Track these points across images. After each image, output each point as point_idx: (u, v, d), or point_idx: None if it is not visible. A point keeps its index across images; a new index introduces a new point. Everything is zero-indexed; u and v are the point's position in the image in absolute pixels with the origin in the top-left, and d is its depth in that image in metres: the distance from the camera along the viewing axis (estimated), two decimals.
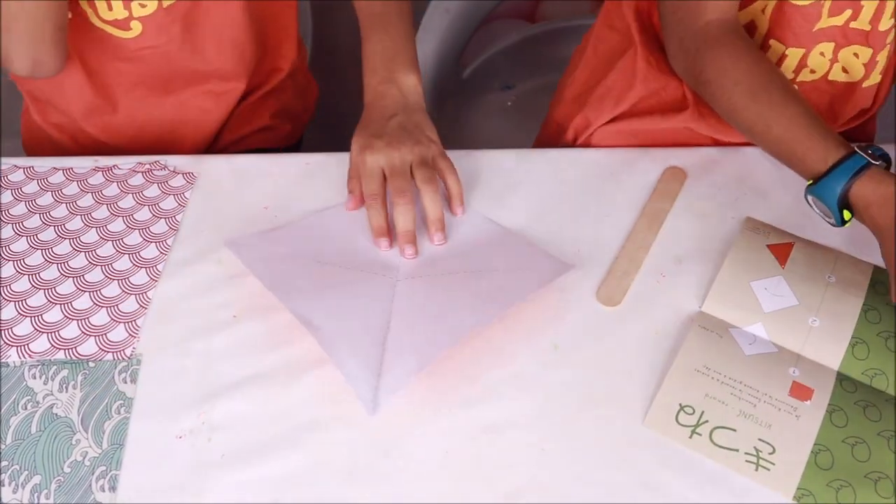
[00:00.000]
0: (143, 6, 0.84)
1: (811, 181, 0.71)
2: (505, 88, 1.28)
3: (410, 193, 0.76)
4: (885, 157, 0.69)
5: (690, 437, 0.63)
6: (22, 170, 0.87)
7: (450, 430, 0.66)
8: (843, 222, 0.70)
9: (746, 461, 0.62)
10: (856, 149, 0.68)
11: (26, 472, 0.65)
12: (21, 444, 0.66)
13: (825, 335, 0.69)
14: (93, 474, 0.64)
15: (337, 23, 0.88)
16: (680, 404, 0.65)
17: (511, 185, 0.83)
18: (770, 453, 0.62)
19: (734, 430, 0.64)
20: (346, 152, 0.81)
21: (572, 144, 0.95)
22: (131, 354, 0.71)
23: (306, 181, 0.85)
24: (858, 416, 0.64)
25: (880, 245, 0.67)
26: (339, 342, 0.69)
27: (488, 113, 1.29)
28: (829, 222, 0.71)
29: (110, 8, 0.83)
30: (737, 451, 0.63)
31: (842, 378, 0.67)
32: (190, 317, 0.74)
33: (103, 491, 0.63)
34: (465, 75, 1.23)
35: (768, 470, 0.61)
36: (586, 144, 0.94)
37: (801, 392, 0.65)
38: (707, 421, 0.64)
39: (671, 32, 0.82)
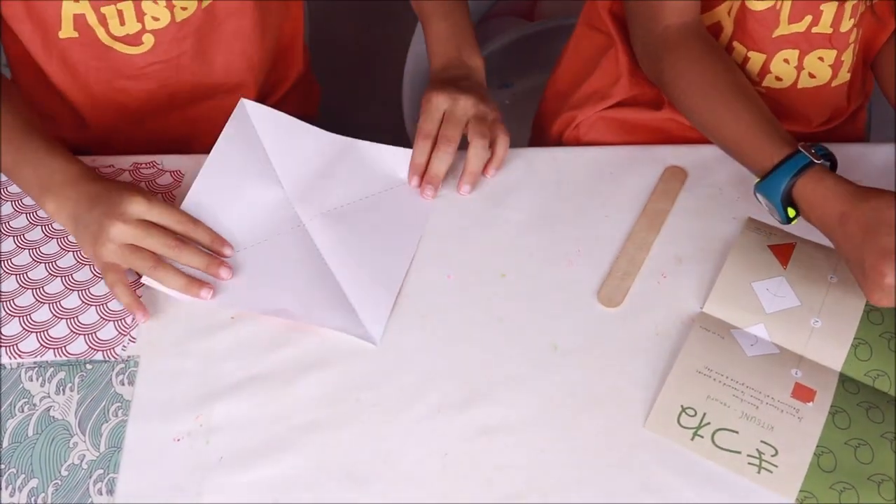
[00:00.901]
0: (156, 19, 0.83)
1: (759, 179, 0.72)
2: (503, 86, 1.27)
3: (455, 144, 0.80)
4: (830, 157, 0.71)
5: (692, 439, 0.63)
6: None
7: (449, 431, 0.66)
8: (789, 220, 0.71)
9: (749, 463, 0.62)
10: (800, 147, 0.70)
11: (23, 476, 0.64)
12: (18, 446, 0.66)
13: (827, 336, 0.69)
14: (90, 477, 0.64)
15: (335, 22, 0.87)
16: (682, 406, 0.65)
17: (511, 185, 0.83)
18: (772, 455, 0.62)
19: (736, 432, 0.63)
20: None
21: (559, 140, 0.96)
22: (127, 357, 0.71)
23: None
24: (861, 418, 0.64)
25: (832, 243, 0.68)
26: (308, 308, 0.72)
27: None
28: (776, 219, 0.72)
29: (123, 23, 0.82)
30: (739, 453, 0.63)
31: (844, 379, 0.67)
32: (188, 318, 0.73)
33: (101, 494, 0.63)
34: None
35: (771, 472, 0.61)
36: (574, 138, 0.94)
37: (803, 393, 0.65)
38: (709, 423, 0.64)
39: (635, 37, 0.85)
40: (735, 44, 0.84)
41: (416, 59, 1.03)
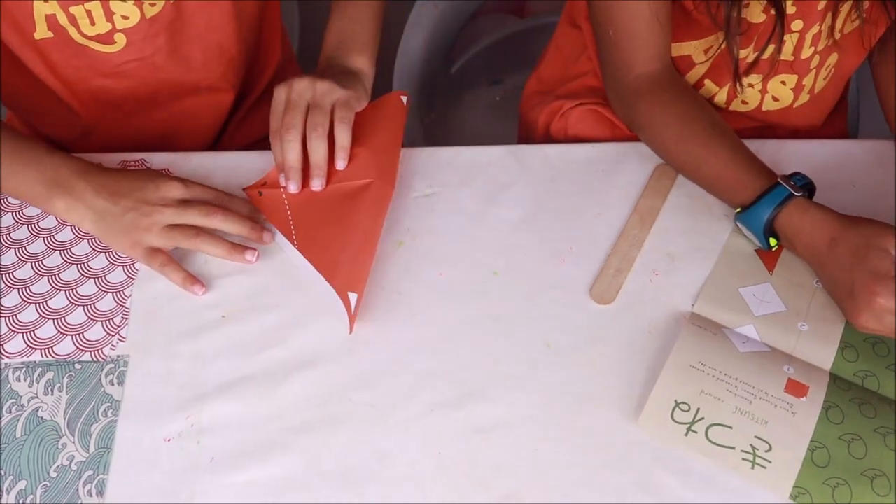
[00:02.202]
0: (125, 18, 0.81)
1: (738, 210, 0.75)
2: (493, 83, 1.27)
3: (325, 126, 0.76)
4: (808, 186, 0.73)
5: (686, 434, 0.63)
6: None
7: (442, 430, 0.65)
8: (770, 248, 0.74)
9: (743, 459, 0.62)
10: (779, 180, 0.72)
11: (11, 477, 0.63)
12: (6, 448, 0.65)
13: (815, 339, 0.69)
14: (80, 479, 0.63)
15: (324, 15, 0.86)
16: (675, 401, 0.65)
17: (502, 183, 0.82)
18: (766, 451, 0.62)
19: (730, 427, 0.64)
20: None
21: (547, 131, 0.96)
22: (117, 357, 0.70)
23: None
24: (854, 413, 0.64)
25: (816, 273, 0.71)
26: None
27: (477, 108, 1.28)
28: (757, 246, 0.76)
29: (93, 23, 0.81)
30: (733, 448, 0.63)
31: (835, 377, 0.67)
32: (177, 318, 0.72)
33: (91, 496, 0.62)
34: (453, 70, 1.22)
35: (764, 468, 0.62)
36: (561, 129, 0.94)
37: (796, 389, 0.66)
38: (703, 418, 0.64)
39: (608, 85, 0.86)
40: (706, 81, 0.86)
41: (406, 57, 1.03)
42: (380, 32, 0.88)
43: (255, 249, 0.75)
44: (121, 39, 0.83)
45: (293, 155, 0.76)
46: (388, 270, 0.76)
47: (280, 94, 0.78)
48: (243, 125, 0.99)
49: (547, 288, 0.74)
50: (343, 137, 0.77)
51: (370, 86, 0.84)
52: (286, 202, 0.77)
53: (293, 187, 0.76)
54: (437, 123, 1.24)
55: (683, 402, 0.65)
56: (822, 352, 0.69)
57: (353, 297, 0.70)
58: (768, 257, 0.75)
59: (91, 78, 0.86)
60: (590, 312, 0.73)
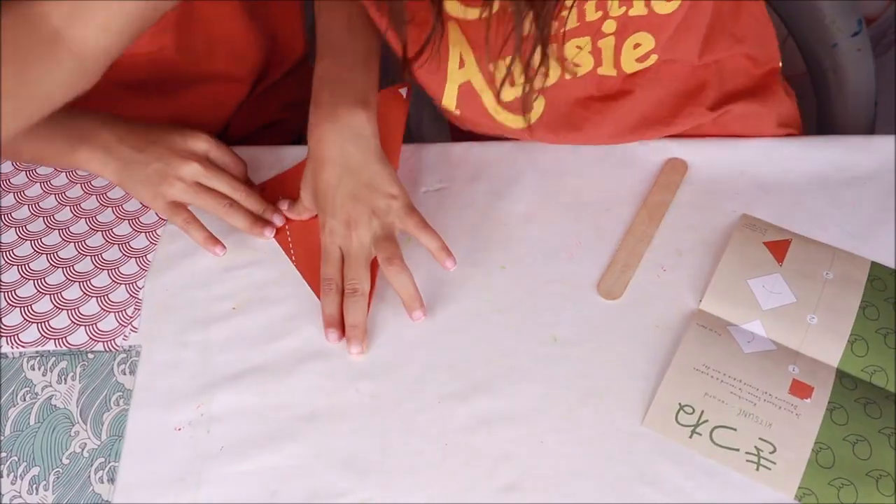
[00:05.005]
0: None
1: None
2: None
3: (363, 286, 0.71)
4: None
5: (690, 436, 0.63)
6: (11, 161, 0.86)
7: (448, 422, 0.66)
8: None
9: (747, 461, 0.62)
10: None
11: (25, 464, 0.64)
12: (20, 435, 0.66)
13: (824, 332, 0.69)
14: (91, 466, 0.64)
15: None
16: (679, 404, 0.65)
17: (511, 178, 0.83)
18: (771, 452, 0.62)
19: (734, 429, 0.64)
20: None
21: None
22: (129, 347, 0.71)
23: None
24: (859, 414, 0.64)
25: None
26: None
27: None
28: None
29: None
30: (737, 450, 0.63)
31: (841, 375, 0.67)
32: (189, 309, 0.73)
33: (102, 482, 0.63)
34: None
35: (769, 469, 0.61)
36: None
37: (800, 390, 0.65)
38: (707, 420, 0.64)
39: None
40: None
41: None
42: (378, 72, 0.77)
43: (272, 225, 0.76)
44: None
45: (360, 315, 0.70)
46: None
47: (333, 240, 0.72)
48: (252, 110, 0.99)
49: (554, 283, 0.74)
50: (430, 241, 0.73)
51: (373, 134, 0.73)
52: (286, 226, 0.79)
53: (356, 349, 0.70)
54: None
55: (688, 405, 0.65)
56: (831, 346, 0.68)
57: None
58: (777, 249, 0.75)
59: None
60: (596, 307, 0.73)
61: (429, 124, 1.05)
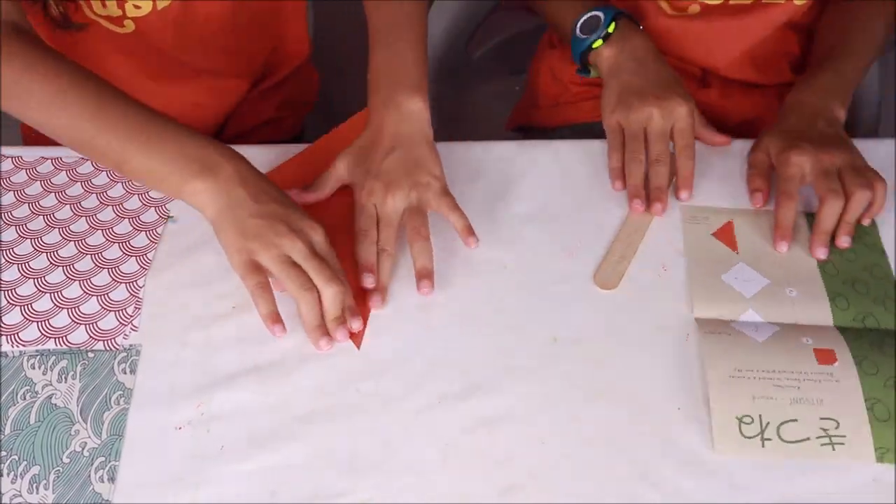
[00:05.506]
0: (137, 7, 0.82)
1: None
2: (514, 73, 1.27)
3: (392, 246, 0.74)
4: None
5: (763, 445, 0.63)
6: (10, 159, 0.87)
7: (449, 422, 0.66)
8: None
9: (822, 445, 0.62)
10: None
11: (25, 463, 0.64)
12: (20, 434, 0.66)
13: (807, 301, 0.72)
14: (92, 465, 0.64)
15: (338, 11, 0.87)
16: (736, 418, 0.64)
17: (512, 177, 0.83)
18: (836, 428, 0.63)
19: (795, 420, 0.63)
20: None
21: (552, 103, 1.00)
22: (129, 346, 0.71)
23: None
24: (880, 357, 0.66)
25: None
26: None
27: (496, 96, 1.29)
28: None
29: (104, 6, 0.82)
30: (808, 439, 0.63)
31: (843, 330, 0.69)
32: (189, 308, 0.73)
33: (102, 482, 0.63)
34: (475, 56, 1.22)
35: (843, 444, 0.62)
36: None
37: (826, 357, 0.66)
38: (769, 423, 0.63)
39: None
40: None
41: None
42: (427, 60, 0.81)
43: (330, 339, 0.69)
44: (130, 25, 0.84)
45: (387, 272, 0.74)
46: (397, 264, 0.76)
47: (372, 202, 0.75)
48: (250, 108, 0.99)
49: (555, 282, 0.74)
50: (458, 219, 0.76)
51: (427, 122, 0.79)
52: None
53: (377, 301, 0.73)
54: (453, 109, 1.24)
55: (745, 416, 0.64)
56: (819, 310, 0.71)
57: (356, 324, 0.70)
58: (726, 236, 0.77)
59: (105, 53, 0.87)
60: (598, 307, 0.73)
61: None
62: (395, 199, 0.75)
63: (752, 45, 0.93)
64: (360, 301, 0.73)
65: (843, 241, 0.75)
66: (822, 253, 0.74)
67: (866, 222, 0.77)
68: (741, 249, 0.75)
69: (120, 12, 0.82)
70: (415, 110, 0.77)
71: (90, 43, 0.86)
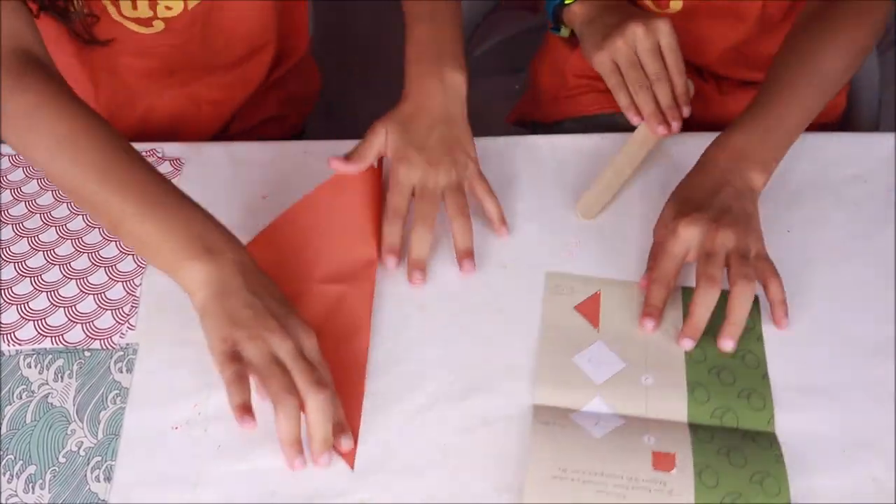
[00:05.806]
0: (168, 8, 0.82)
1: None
2: (515, 71, 1.27)
3: (433, 220, 0.74)
4: None
5: None
6: (7, 157, 0.86)
7: (447, 422, 0.66)
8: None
9: None
10: None
11: (21, 462, 0.64)
12: (16, 433, 0.66)
13: (662, 390, 0.65)
14: (88, 464, 0.64)
15: (339, 8, 0.87)
16: None
17: (511, 174, 0.82)
18: None
19: None
20: (349, 140, 0.80)
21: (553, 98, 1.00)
22: (126, 345, 0.71)
23: (307, 170, 0.84)
24: (726, 468, 0.60)
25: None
26: None
27: (496, 95, 1.29)
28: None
29: (135, 7, 0.82)
30: None
31: (695, 429, 0.63)
32: (186, 307, 0.72)
33: (98, 481, 0.63)
34: (476, 55, 1.22)
35: None
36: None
37: (663, 462, 0.60)
38: None
39: None
40: None
41: None
42: (462, 32, 0.83)
43: (304, 459, 0.62)
44: (159, 25, 0.84)
45: (426, 248, 0.74)
46: (402, 260, 0.75)
47: (412, 175, 0.75)
48: (254, 105, 0.99)
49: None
50: (492, 206, 0.77)
51: (465, 99, 0.80)
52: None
53: (419, 277, 0.73)
54: None
55: None
56: (674, 401, 0.64)
57: (346, 443, 0.63)
58: (589, 310, 0.71)
59: (118, 55, 0.87)
60: None
61: None
62: (437, 176, 0.75)
63: (736, 43, 0.92)
64: (350, 412, 0.65)
65: (725, 345, 0.66)
66: (687, 344, 0.66)
67: (781, 327, 0.67)
68: (603, 326, 0.69)
69: (151, 13, 0.82)
70: (457, 84, 0.78)
71: (106, 48, 0.85)
